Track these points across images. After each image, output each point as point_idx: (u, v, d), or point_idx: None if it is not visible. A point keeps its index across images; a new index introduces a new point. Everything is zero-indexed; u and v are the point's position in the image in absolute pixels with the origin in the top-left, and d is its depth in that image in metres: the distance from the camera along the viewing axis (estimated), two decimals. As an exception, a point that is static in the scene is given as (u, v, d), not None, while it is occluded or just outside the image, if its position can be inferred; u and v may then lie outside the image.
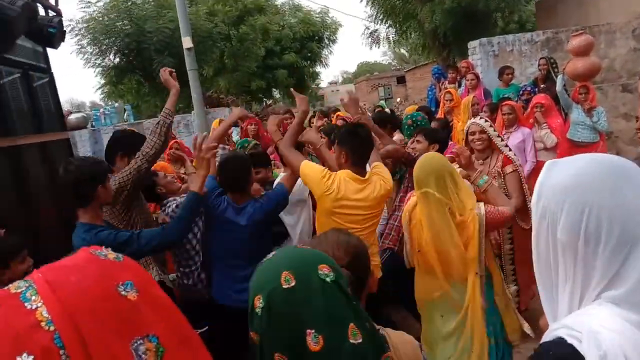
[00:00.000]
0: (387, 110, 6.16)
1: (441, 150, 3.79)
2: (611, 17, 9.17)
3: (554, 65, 7.30)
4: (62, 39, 4.44)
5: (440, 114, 6.34)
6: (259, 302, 1.07)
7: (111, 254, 0.82)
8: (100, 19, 15.00)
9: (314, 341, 1.03)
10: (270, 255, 1.17)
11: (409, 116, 4.71)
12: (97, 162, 2.67)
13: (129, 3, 15.31)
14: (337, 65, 72.43)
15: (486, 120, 3.75)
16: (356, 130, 3.07)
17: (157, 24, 14.81)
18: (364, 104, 25.75)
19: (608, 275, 0.93)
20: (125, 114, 10.31)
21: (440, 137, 3.87)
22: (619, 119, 7.84)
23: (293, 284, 1.06)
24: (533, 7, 15.13)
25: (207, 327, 2.51)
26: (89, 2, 15.06)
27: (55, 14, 4.45)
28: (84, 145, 8.92)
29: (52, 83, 4.87)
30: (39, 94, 4.59)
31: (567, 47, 6.99)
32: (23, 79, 4.33)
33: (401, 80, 35.08)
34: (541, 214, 1.03)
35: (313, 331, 1.04)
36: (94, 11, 15.13)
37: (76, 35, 15.02)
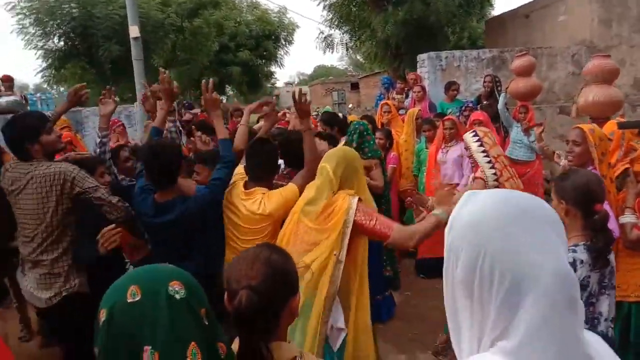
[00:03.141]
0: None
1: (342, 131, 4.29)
2: (554, 41, 9.54)
3: (498, 84, 7.49)
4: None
5: (378, 125, 6.36)
6: (102, 316, 1.05)
7: None
8: (45, -1, 14.34)
9: (149, 358, 1.01)
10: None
11: (358, 123, 4.64)
12: None
13: (78, -15, 14.70)
14: (294, 66, 72.70)
15: (475, 135, 3.66)
16: (256, 145, 3.10)
17: (107, 10, 14.32)
18: (318, 107, 25.75)
19: (501, 323, 0.90)
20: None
21: (338, 121, 4.42)
22: (556, 139, 8.13)
23: (138, 298, 1.04)
24: (483, 26, 15.59)
25: None
26: (33, -20, 14.37)
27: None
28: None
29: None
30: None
31: (511, 67, 7.18)
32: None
33: (355, 86, 35.43)
34: (449, 248, 0.99)
35: (150, 348, 1.01)
36: (39, -10, 14.45)
37: (17, 14, 14.30)
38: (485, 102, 7.50)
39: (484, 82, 7.71)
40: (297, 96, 3.20)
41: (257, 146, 3.10)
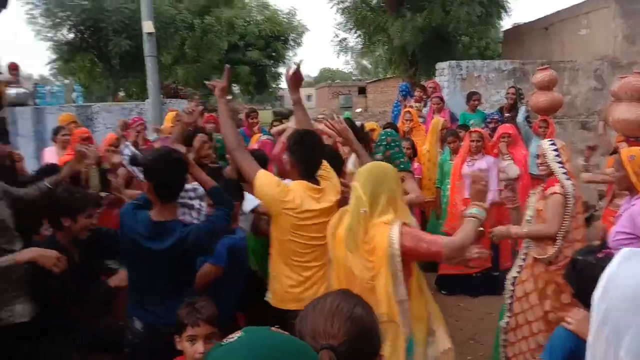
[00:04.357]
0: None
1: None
2: (573, 55, 9.38)
3: (521, 96, 7.32)
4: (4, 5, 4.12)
5: (401, 133, 6.15)
6: None
7: None
8: (56, -10, 14.18)
9: None
10: (233, 338, 0.86)
11: (387, 133, 4.38)
12: None
13: (89, -23, 14.54)
14: (299, 68, 72.54)
15: (553, 144, 3.44)
16: (302, 139, 2.84)
17: (118, 3, 14.15)
18: (324, 110, 25.44)
19: None
20: (74, 95, 9.63)
21: (353, 129, 3.90)
22: (576, 154, 7.94)
23: None
24: (498, 35, 15.44)
25: None
26: (44, -29, 14.21)
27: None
28: (25, 125, 8.23)
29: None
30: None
31: (532, 80, 7.02)
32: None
33: (362, 90, 35.25)
34: (603, 318, 0.81)
35: None
36: (50, -19, 14.30)
37: (27, 3, 14.14)
38: (507, 115, 7.32)
39: (507, 93, 7.52)
40: (292, 70, 3.14)
41: (307, 139, 2.84)
